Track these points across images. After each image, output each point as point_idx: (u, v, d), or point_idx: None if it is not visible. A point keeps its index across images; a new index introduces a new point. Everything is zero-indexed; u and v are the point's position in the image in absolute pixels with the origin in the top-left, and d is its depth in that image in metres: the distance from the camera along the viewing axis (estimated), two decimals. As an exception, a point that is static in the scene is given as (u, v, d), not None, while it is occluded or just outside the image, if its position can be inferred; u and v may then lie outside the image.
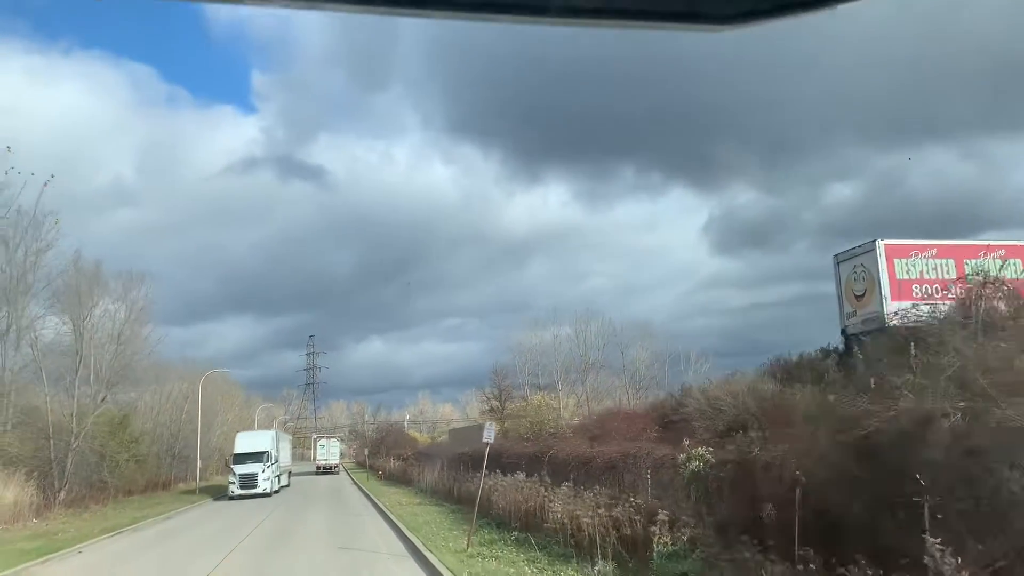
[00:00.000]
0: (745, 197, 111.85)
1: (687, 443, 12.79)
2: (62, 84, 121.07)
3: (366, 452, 52.00)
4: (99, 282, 35.17)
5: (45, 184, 27.17)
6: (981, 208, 69.92)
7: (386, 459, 52.23)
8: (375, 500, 29.27)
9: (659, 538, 10.59)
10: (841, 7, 1.05)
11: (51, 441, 28.74)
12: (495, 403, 75.21)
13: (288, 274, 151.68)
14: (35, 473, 27.28)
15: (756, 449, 10.66)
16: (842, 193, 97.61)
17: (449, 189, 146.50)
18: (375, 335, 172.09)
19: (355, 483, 45.28)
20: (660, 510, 11.33)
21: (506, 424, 72.17)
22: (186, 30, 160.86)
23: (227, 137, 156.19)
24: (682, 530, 10.79)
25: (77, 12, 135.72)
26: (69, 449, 28.97)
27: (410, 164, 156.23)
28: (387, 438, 75.91)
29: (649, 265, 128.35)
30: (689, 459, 11.99)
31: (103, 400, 32.06)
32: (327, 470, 65.93)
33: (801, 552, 9.41)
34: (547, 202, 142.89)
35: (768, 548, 10.02)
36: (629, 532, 11.60)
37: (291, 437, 55.72)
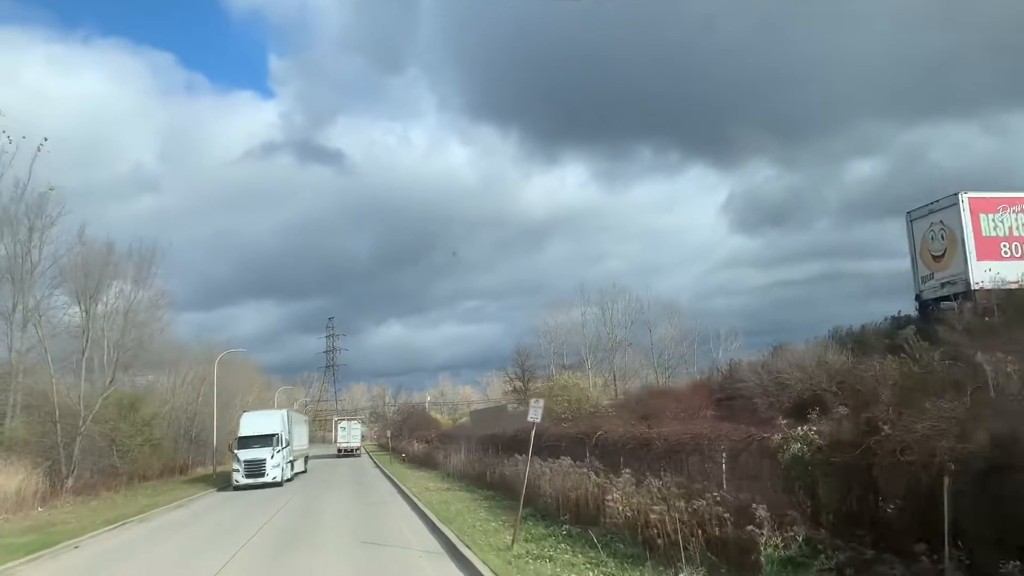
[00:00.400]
0: (764, 174, 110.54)
1: (783, 422, 10.54)
2: (83, 72, 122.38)
3: (388, 435, 50.28)
4: (109, 261, 33.47)
5: (39, 149, 25.12)
6: (1004, 181, 68.03)
7: (409, 441, 50.54)
8: (400, 485, 27.42)
9: (766, 540, 8.40)
10: None
11: (57, 425, 27.16)
12: (518, 383, 73.73)
13: (307, 258, 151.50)
14: (42, 459, 25.78)
15: (886, 428, 8.39)
16: (862, 169, 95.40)
17: (467, 171, 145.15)
18: (394, 318, 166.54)
19: (378, 466, 43.63)
20: (755, 505, 9.13)
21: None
22: (204, 16, 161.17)
23: (246, 122, 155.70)
24: (791, 530, 8.60)
25: (96, 1, 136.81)
26: (76, 433, 27.38)
27: (428, 146, 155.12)
28: (409, 420, 74.44)
29: (668, 245, 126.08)
30: (787, 442, 9.77)
31: (111, 382, 30.43)
32: (348, 453, 64.53)
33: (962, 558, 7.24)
34: (565, 183, 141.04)
35: (902, 552, 7.85)
36: (717, 532, 9.42)
37: (308, 418, 53.91)
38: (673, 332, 61.58)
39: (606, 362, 59.65)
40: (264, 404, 75.16)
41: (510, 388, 73.66)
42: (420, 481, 27.98)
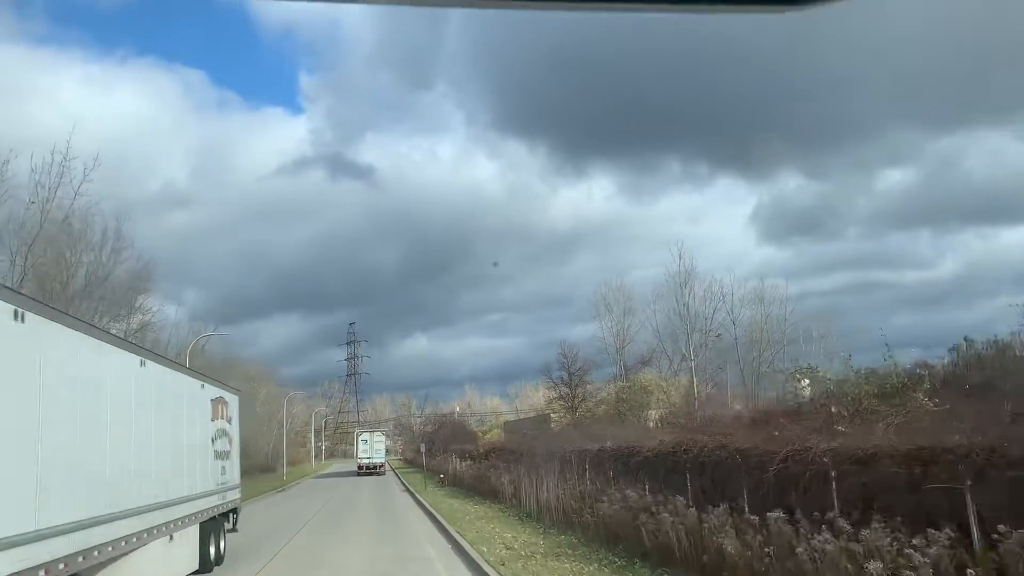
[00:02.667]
0: (793, 184, 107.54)
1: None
2: (118, 91, 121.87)
3: (422, 449, 39.96)
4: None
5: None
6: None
7: (445, 457, 40.41)
8: (461, 542, 16.02)
9: None
10: None
11: None
12: (564, 389, 63.35)
13: (335, 272, 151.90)
14: None
15: None
16: (894, 178, 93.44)
17: (493, 185, 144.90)
18: (419, 331, 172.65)
19: (409, 491, 33.53)
20: None
21: (578, 413, 60.00)
22: (235, 35, 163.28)
23: (276, 138, 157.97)
24: None
25: (132, 20, 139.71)
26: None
27: (455, 160, 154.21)
28: (441, 431, 64.16)
29: (695, 256, 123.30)
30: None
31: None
32: (371, 470, 54.55)
33: None
34: (591, 196, 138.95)
35: None
36: None
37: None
38: (759, 321, 51.08)
39: (679, 361, 49.26)
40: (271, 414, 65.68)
41: (555, 395, 63.29)
42: (492, 529, 17.36)
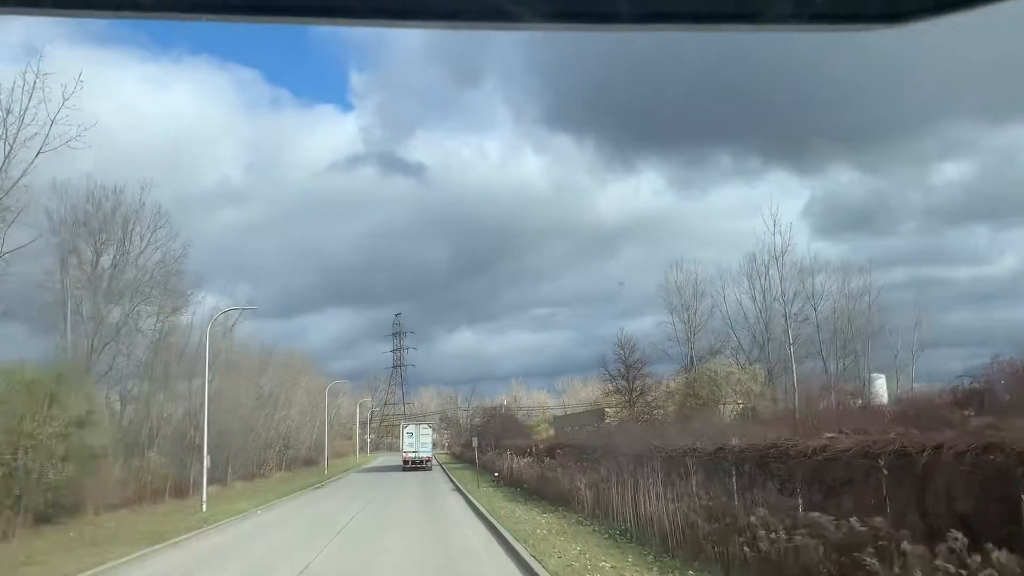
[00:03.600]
0: (846, 178, 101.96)
1: None
2: (174, 90, 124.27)
3: (474, 443, 35.59)
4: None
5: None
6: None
7: (499, 453, 36.09)
8: None
9: None
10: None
11: None
12: (621, 382, 58.71)
13: (384, 267, 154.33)
14: None
15: None
16: (950, 172, 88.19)
17: (540, 180, 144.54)
18: (465, 326, 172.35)
19: (459, 490, 29.31)
20: None
21: (636, 408, 55.20)
22: (287, 34, 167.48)
23: (326, 136, 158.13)
24: None
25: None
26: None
27: (502, 156, 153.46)
28: (491, 424, 60.00)
29: (745, 251, 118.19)
30: None
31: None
32: (417, 465, 50.67)
33: None
34: (639, 190, 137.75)
35: None
36: None
37: None
38: (843, 309, 45.24)
39: (758, 350, 43.89)
40: (314, 406, 62.36)
41: (611, 388, 58.49)
42: (574, 553, 12.65)
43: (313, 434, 65.73)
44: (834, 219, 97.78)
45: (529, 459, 28.35)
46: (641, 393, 58.46)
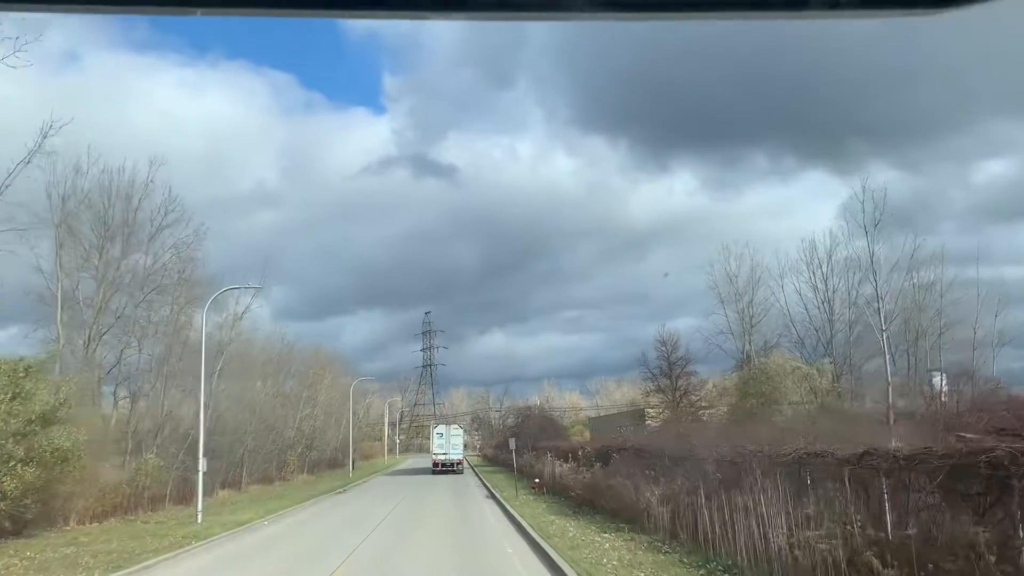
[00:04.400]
0: (885, 177, 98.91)
1: None
2: (210, 94, 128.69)
3: (512, 444, 31.82)
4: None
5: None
6: None
7: (538, 457, 32.48)
8: None
9: None
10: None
11: None
12: (664, 380, 54.90)
13: (415, 269, 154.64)
14: None
15: None
16: (992, 170, 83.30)
17: (572, 182, 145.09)
18: (496, 327, 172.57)
19: (494, 498, 25.80)
20: None
21: (680, 408, 51.60)
22: (322, 38, 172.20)
23: (360, 138, 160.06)
24: None
25: (224, 26, 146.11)
26: None
27: (534, 158, 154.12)
28: (526, 424, 56.29)
29: (780, 251, 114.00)
30: None
31: None
32: (447, 468, 47.35)
33: None
34: (672, 191, 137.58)
35: None
36: None
37: None
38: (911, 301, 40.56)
39: (825, 345, 39.50)
40: (338, 404, 59.26)
41: (653, 387, 54.53)
42: None
43: (339, 435, 62.81)
44: (872, 218, 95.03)
45: (572, 464, 24.70)
46: (685, 392, 54.52)
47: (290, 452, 45.10)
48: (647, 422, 55.60)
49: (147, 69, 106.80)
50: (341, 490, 35.11)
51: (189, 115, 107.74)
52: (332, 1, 0.93)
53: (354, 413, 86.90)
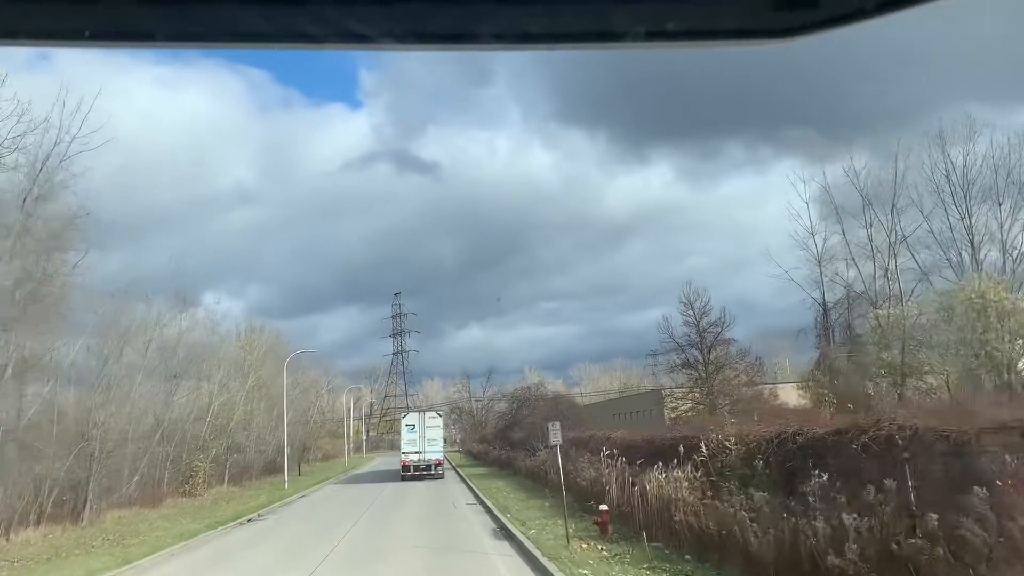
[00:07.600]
0: (858, 163, 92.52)
1: None
2: (187, 92, 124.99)
3: (556, 438, 18.57)
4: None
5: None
6: None
7: (572, 457, 19.41)
8: None
9: None
10: None
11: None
12: (692, 352, 43.38)
13: (393, 264, 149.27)
14: None
15: None
16: (969, 154, 78.43)
17: (550, 175, 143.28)
18: (474, 321, 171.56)
19: (528, 556, 12.88)
20: None
21: (715, 384, 40.51)
22: None
23: (337, 134, 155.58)
24: None
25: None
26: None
27: (512, 152, 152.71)
28: (521, 412, 43.00)
29: (754, 241, 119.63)
30: None
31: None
32: (423, 472, 34.16)
33: None
34: (649, 183, 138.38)
35: None
36: None
37: None
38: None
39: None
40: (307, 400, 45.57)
41: (679, 362, 42.34)
42: None
43: (296, 431, 49.22)
44: (849, 204, 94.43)
45: (680, 471, 11.70)
46: (717, 368, 42.85)
47: (199, 456, 31.49)
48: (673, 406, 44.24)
49: (123, 67, 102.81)
50: (254, 517, 21.56)
51: (167, 113, 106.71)
52: (300, 35, 0.86)
53: (320, 410, 73.30)
